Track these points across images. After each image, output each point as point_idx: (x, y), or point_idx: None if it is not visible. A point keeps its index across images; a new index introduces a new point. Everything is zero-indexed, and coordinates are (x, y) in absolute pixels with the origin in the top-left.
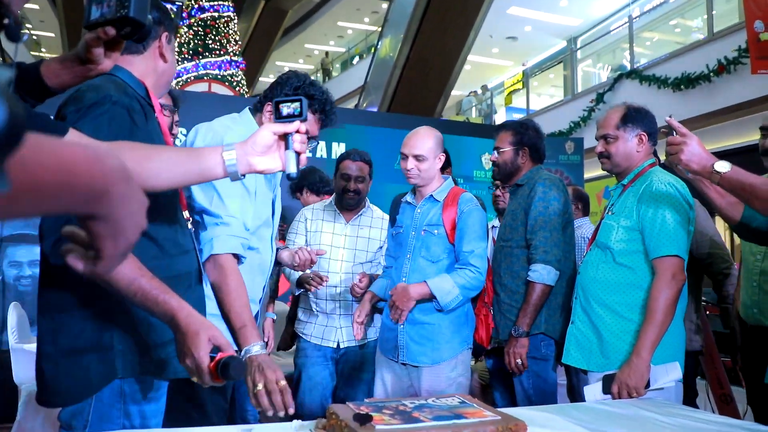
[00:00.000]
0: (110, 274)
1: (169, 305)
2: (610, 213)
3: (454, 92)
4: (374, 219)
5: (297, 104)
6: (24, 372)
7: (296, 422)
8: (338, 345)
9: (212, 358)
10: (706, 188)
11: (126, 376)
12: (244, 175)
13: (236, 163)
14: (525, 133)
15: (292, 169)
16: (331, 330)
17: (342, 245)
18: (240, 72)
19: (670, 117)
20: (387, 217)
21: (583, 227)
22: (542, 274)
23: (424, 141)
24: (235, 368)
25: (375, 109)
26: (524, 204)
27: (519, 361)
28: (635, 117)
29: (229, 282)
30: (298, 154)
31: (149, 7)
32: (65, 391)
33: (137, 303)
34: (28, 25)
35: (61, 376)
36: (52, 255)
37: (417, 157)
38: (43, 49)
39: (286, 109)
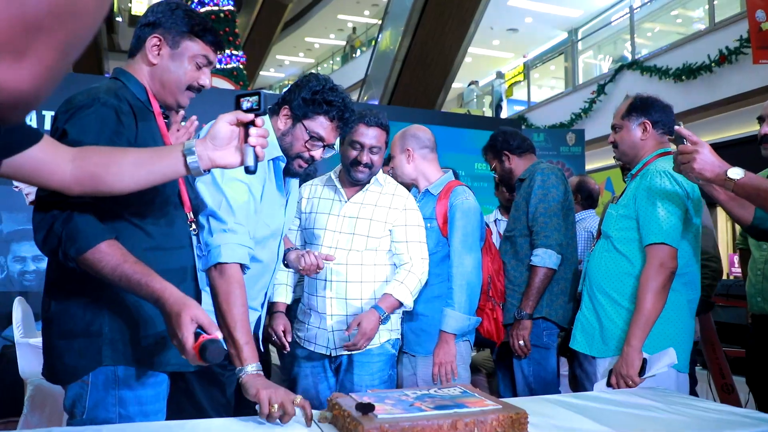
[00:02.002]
0: (95, 263)
1: (152, 288)
2: (614, 202)
3: (454, 85)
4: (383, 195)
5: (256, 98)
6: (29, 366)
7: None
8: (330, 353)
9: (198, 336)
10: (717, 193)
11: (111, 364)
12: (207, 171)
13: (197, 159)
14: (495, 142)
15: (249, 163)
16: (324, 333)
17: (337, 229)
18: (241, 66)
19: (679, 126)
20: (403, 192)
21: (587, 220)
22: (543, 257)
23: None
24: (212, 352)
25: (376, 102)
26: (525, 195)
27: (522, 342)
28: (639, 106)
29: (236, 294)
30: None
31: None
32: (59, 370)
33: (124, 288)
34: None
35: (55, 357)
36: (43, 249)
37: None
38: None
39: (246, 103)
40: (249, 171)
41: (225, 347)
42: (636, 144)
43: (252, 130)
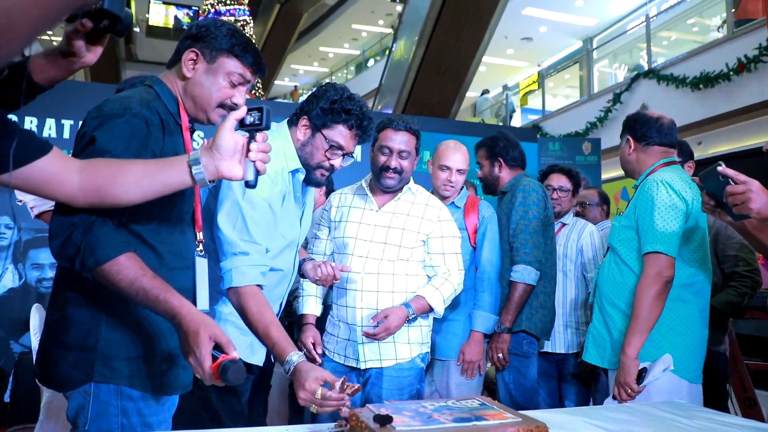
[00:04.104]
0: (113, 275)
1: (170, 304)
2: (619, 214)
3: (469, 94)
4: (415, 205)
5: (258, 113)
6: None
7: (313, 425)
8: (360, 366)
9: (216, 357)
10: (758, 233)
11: (102, 381)
12: (212, 182)
13: (203, 170)
14: (496, 145)
15: (249, 177)
16: (353, 345)
17: (368, 238)
18: None
19: (722, 166)
20: (437, 203)
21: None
22: (523, 274)
23: (466, 157)
24: (233, 373)
25: (390, 111)
26: (507, 210)
27: (501, 355)
28: (626, 124)
29: (250, 306)
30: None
31: (125, 1)
32: (51, 376)
33: (140, 302)
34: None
35: (50, 363)
36: (58, 256)
37: (460, 171)
38: None
39: (249, 117)
40: (249, 185)
41: (244, 368)
42: (626, 159)
43: (252, 145)
